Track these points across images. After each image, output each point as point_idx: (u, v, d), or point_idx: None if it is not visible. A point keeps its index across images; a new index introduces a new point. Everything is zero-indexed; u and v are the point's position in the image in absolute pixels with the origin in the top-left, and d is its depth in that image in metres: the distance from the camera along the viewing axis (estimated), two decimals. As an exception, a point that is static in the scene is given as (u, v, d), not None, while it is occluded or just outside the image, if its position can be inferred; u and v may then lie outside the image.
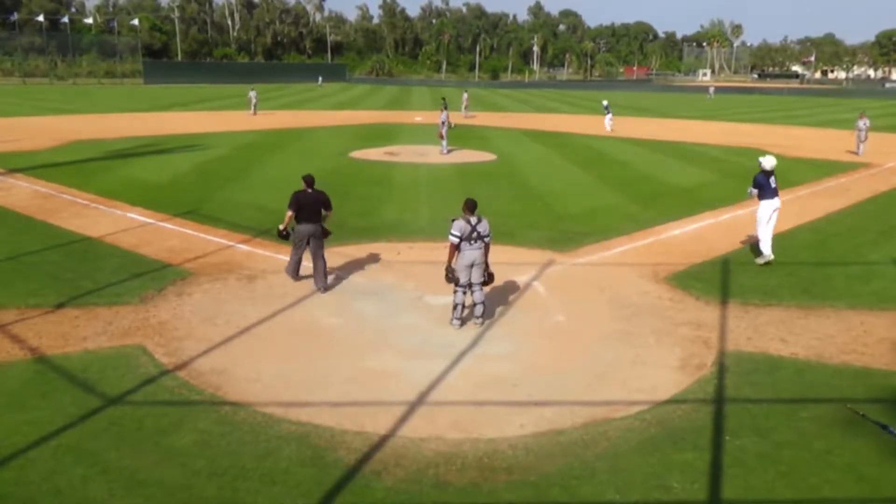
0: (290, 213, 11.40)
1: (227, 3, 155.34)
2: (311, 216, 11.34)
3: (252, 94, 46.19)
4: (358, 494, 6.08)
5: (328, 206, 11.51)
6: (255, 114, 45.48)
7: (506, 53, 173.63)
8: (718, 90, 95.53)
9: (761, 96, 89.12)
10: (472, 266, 9.71)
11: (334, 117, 46.98)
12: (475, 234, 9.59)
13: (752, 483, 6.27)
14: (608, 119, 39.53)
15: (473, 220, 9.61)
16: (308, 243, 11.35)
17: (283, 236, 11.83)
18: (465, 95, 49.71)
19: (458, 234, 9.55)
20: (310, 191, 11.47)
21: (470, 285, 9.78)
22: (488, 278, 9.99)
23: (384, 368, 8.57)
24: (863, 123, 29.66)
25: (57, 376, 8.14)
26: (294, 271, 11.72)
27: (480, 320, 9.91)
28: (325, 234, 11.58)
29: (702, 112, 57.61)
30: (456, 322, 9.80)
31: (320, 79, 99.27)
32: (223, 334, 9.47)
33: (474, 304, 9.89)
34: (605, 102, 41.79)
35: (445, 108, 31.29)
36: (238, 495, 6.01)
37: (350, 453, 6.65)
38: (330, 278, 11.65)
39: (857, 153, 29.23)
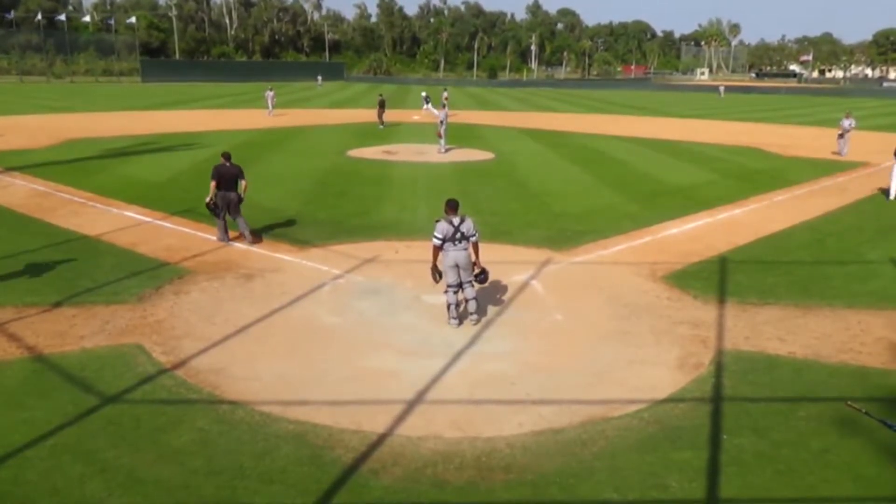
0: (213, 183, 13.72)
1: (224, 2, 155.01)
2: (229, 185, 13.77)
3: (269, 93, 45.79)
4: (356, 493, 6.07)
5: (242, 177, 13.95)
6: (271, 113, 45.05)
7: (504, 52, 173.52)
8: (708, 88, 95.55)
9: (759, 95, 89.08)
10: (456, 266, 9.71)
11: (332, 115, 46.91)
12: (458, 235, 9.60)
13: (749, 482, 6.28)
14: (426, 108, 45.28)
15: (456, 220, 9.62)
16: (228, 209, 13.77)
17: (212, 207, 13.84)
18: (445, 94, 49.42)
19: (441, 236, 9.60)
20: (227, 164, 13.88)
21: (460, 284, 9.80)
22: (482, 276, 9.97)
23: (382, 367, 8.56)
24: (848, 123, 28.81)
25: (54, 375, 8.13)
26: (224, 233, 13.97)
27: (475, 317, 9.92)
28: (240, 199, 13.95)
29: (699, 111, 57.63)
30: (453, 321, 9.80)
31: (320, 78, 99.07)
32: (221, 333, 9.46)
33: (467, 301, 9.91)
34: (423, 94, 47.91)
35: (445, 107, 31.33)
36: (236, 494, 6.01)
37: (348, 452, 6.65)
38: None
39: (840, 154, 28.53)
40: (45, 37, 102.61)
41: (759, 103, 70.28)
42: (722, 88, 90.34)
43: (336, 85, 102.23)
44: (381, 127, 38.51)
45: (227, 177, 13.79)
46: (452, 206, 9.71)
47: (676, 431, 7.12)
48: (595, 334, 9.71)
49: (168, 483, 6.13)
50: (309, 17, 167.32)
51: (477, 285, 9.99)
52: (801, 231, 15.79)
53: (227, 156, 14.03)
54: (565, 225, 15.90)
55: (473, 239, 9.72)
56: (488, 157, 27.45)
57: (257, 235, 14.26)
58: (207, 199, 13.77)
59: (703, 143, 32.98)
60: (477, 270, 9.91)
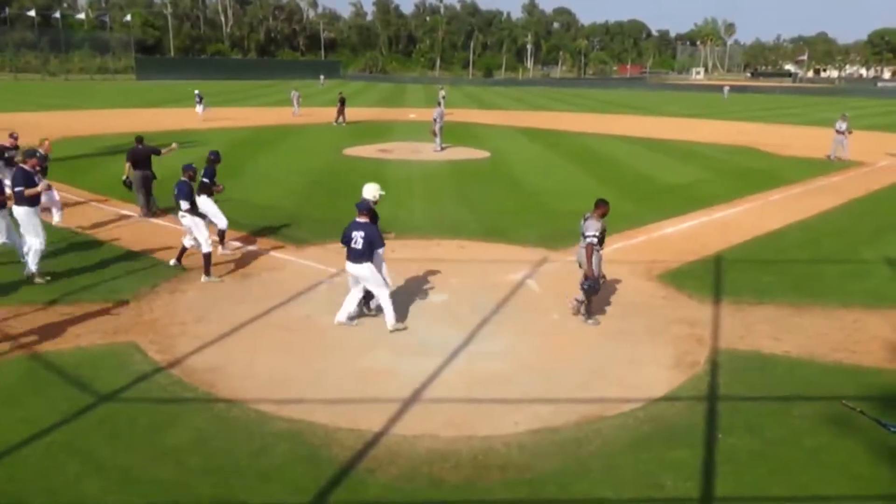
0: (128, 164, 15.62)
1: (219, 0, 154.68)
2: (144, 165, 15.69)
3: (295, 93, 45.16)
4: (352, 492, 6.08)
5: (157, 153, 15.82)
6: (297, 113, 44.18)
7: (499, 51, 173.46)
8: (713, 88, 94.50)
9: (754, 95, 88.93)
10: (578, 261, 9.99)
11: (330, 114, 46.77)
12: (581, 233, 9.82)
13: (744, 480, 6.31)
14: (199, 108, 41.45)
15: (585, 216, 9.85)
16: (142, 185, 15.65)
17: (127, 185, 15.82)
18: (443, 92, 48.92)
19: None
20: (140, 146, 15.80)
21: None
22: (584, 284, 9.83)
23: (378, 366, 8.57)
24: (844, 126, 27.32)
25: (50, 373, 8.12)
26: (146, 208, 15.89)
27: (572, 309, 10.14)
28: (154, 176, 15.90)
29: (694, 111, 57.70)
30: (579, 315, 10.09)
31: (322, 77, 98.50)
32: (217, 331, 9.45)
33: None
34: (196, 91, 43.79)
35: (440, 105, 31.35)
36: (233, 493, 6.01)
37: (344, 451, 6.65)
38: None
39: (835, 157, 27.10)
40: (40, 34, 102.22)
41: (755, 103, 70.39)
42: (727, 89, 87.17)
43: (332, 83, 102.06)
44: (343, 124, 38.50)
45: (141, 157, 15.66)
46: (595, 205, 9.92)
47: (672, 430, 7.14)
48: (591, 333, 9.73)
49: (164, 482, 6.12)
50: (305, 16, 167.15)
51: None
52: (796, 230, 15.83)
53: (139, 139, 16.07)
54: (561, 224, 15.88)
55: (585, 240, 9.69)
56: (483, 156, 27.46)
57: (154, 213, 16.03)
58: (124, 178, 15.71)
59: (698, 143, 33.04)
60: (581, 279, 9.91)
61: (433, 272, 12.00)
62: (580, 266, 9.99)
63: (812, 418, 7.40)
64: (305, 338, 9.41)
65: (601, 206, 9.87)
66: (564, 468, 6.44)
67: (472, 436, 6.97)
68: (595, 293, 9.91)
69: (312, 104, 56.30)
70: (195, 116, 40.81)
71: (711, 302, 10.94)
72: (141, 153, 15.73)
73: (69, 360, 8.47)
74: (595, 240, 9.63)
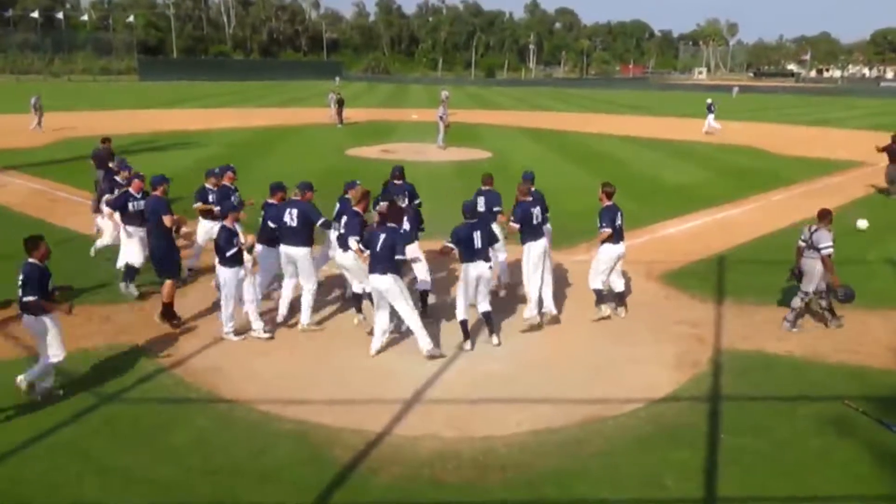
0: (92, 162, 16.36)
1: (222, 0, 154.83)
2: (104, 165, 15.33)
3: (332, 96, 44.71)
4: (354, 492, 6.08)
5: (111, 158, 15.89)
6: (334, 116, 43.42)
7: (501, 51, 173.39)
8: (718, 88, 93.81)
9: (756, 95, 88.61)
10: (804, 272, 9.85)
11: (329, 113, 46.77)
12: (808, 243, 9.69)
13: (747, 481, 6.30)
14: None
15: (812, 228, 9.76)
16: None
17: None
18: (445, 93, 48.65)
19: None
20: (104, 145, 16.51)
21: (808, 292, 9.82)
22: (838, 292, 9.63)
23: (381, 366, 8.57)
24: None
25: (53, 375, 8.11)
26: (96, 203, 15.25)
27: (788, 326, 9.86)
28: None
29: (695, 111, 57.53)
30: (786, 325, 9.85)
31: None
32: (219, 332, 9.44)
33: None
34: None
35: (442, 105, 31.37)
36: (234, 493, 6.01)
37: (346, 451, 6.65)
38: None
39: None
40: (43, 35, 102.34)
41: (756, 102, 70.23)
42: (735, 89, 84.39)
43: (334, 84, 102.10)
44: (340, 126, 38.27)
45: (104, 157, 16.10)
46: (820, 215, 9.90)
47: (674, 430, 7.13)
48: (593, 333, 9.72)
49: (166, 482, 6.13)
50: (307, 16, 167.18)
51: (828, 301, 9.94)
52: (798, 230, 15.74)
53: (105, 140, 16.88)
54: (563, 223, 15.81)
55: (820, 252, 9.53)
56: (486, 156, 27.45)
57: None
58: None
59: (701, 143, 32.99)
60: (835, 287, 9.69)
61: (437, 272, 11.99)
62: (800, 277, 9.81)
63: (816, 419, 7.38)
64: (308, 338, 9.41)
65: (827, 216, 9.83)
66: (565, 468, 6.44)
67: (473, 436, 6.97)
68: (853, 299, 9.69)
69: (313, 105, 56.42)
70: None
71: (714, 302, 10.93)
72: (102, 153, 16.39)
73: (72, 361, 8.45)
74: (831, 250, 9.54)
